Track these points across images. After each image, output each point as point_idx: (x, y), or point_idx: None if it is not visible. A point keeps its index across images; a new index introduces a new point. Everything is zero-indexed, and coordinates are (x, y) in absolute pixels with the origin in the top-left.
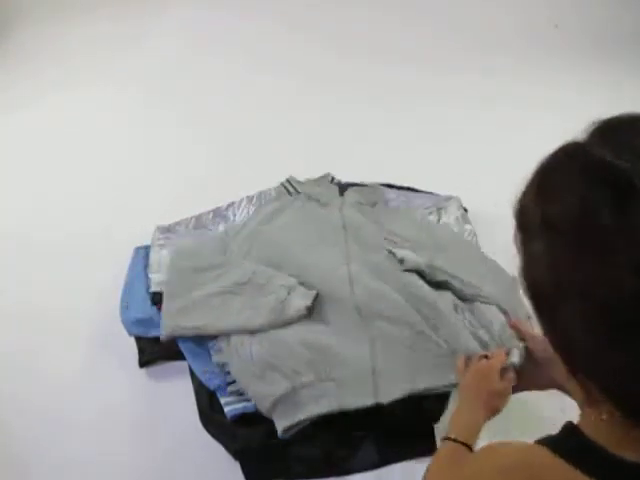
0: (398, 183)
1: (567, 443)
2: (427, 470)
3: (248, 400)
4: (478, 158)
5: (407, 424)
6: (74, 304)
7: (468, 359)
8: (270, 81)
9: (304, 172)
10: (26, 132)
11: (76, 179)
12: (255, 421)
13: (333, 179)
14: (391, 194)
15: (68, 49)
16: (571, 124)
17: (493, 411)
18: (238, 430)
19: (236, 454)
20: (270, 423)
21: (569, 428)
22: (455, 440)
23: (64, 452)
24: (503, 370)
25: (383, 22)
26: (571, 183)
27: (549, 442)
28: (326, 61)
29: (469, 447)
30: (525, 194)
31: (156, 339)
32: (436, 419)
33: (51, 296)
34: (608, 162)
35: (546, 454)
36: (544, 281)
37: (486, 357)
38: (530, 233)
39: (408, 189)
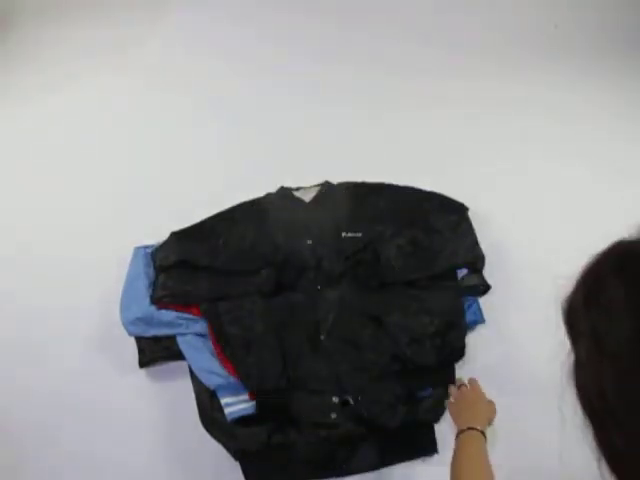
0: (397, 182)
1: None
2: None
3: (248, 401)
4: (477, 159)
5: (407, 425)
6: (74, 304)
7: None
8: (270, 86)
9: (302, 175)
10: (26, 133)
11: (76, 179)
12: (255, 421)
13: (331, 186)
14: None
15: (69, 51)
16: (571, 125)
17: (491, 417)
18: (238, 430)
19: (236, 454)
20: (270, 423)
21: None
22: (467, 429)
23: (62, 452)
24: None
25: (383, 29)
26: (621, 298)
27: None
28: (325, 66)
29: (482, 433)
30: (574, 294)
31: (156, 339)
32: (436, 419)
33: (51, 296)
34: None
35: None
36: (589, 389)
37: (465, 385)
38: (578, 338)
39: (411, 189)
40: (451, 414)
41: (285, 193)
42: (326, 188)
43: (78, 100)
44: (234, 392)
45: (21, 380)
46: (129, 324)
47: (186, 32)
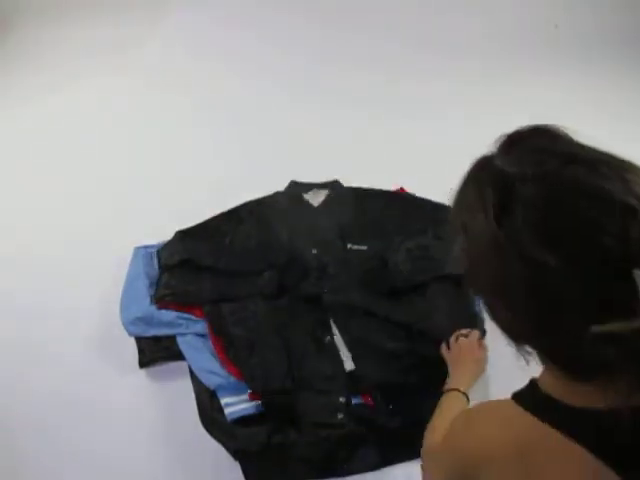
0: (397, 182)
1: (528, 396)
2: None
3: (248, 401)
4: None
5: (407, 425)
6: (74, 304)
7: (446, 341)
8: (270, 87)
9: (302, 175)
10: (26, 133)
11: (76, 179)
12: (255, 421)
13: (340, 190)
14: None
15: (69, 52)
16: (571, 125)
17: (478, 375)
18: (238, 430)
19: (236, 454)
20: (270, 423)
21: (531, 383)
22: (451, 390)
23: (62, 451)
24: (478, 342)
25: (383, 31)
26: (475, 199)
27: (515, 395)
28: (325, 67)
29: (464, 394)
30: (453, 200)
31: (156, 339)
32: None
33: (51, 296)
34: (503, 171)
35: (511, 404)
36: (471, 275)
37: (463, 335)
38: (457, 234)
39: (426, 201)
40: (447, 361)
41: (294, 194)
42: (336, 192)
43: (78, 100)
44: (234, 392)
45: (21, 380)
46: (129, 324)
47: (186, 33)
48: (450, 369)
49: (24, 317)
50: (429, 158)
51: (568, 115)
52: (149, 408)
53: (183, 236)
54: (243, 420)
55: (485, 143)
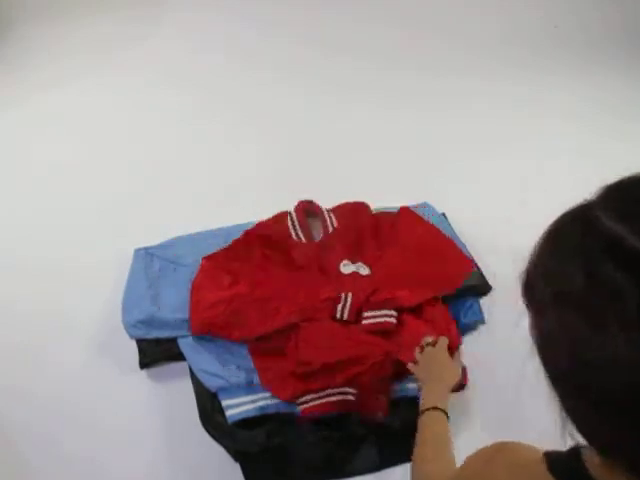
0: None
1: (569, 471)
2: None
3: (249, 403)
4: (478, 159)
5: (407, 425)
6: (75, 305)
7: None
8: (271, 84)
9: (302, 174)
10: (26, 131)
11: (77, 179)
12: (255, 423)
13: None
14: None
15: (68, 50)
16: (572, 125)
17: (451, 384)
18: (238, 431)
19: (236, 455)
20: (270, 424)
21: (576, 456)
22: (435, 408)
23: (63, 452)
24: (449, 350)
25: (388, 31)
26: (583, 258)
27: (551, 461)
28: (327, 61)
29: (443, 411)
30: (534, 266)
31: (157, 340)
32: None
33: (52, 297)
34: (623, 241)
35: (544, 471)
36: (560, 360)
37: (430, 344)
38: (541, 310)
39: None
40: (416, 377)
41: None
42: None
43: (78, 98)
44: (235, 394)
45: (22, 382)
46: (131, 327)
47: (187, 30)
48: (422, 385)
49: (24, 320)
50: (429, 155)
51: (568, 115)
52: (150, 409)
53: None
54: (243, 421)
55: (484, 141)
